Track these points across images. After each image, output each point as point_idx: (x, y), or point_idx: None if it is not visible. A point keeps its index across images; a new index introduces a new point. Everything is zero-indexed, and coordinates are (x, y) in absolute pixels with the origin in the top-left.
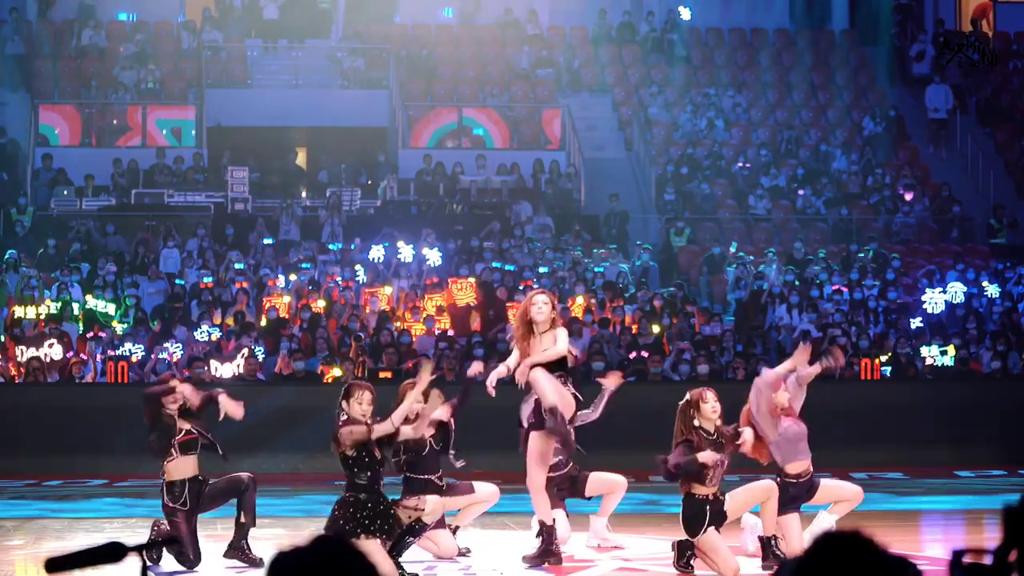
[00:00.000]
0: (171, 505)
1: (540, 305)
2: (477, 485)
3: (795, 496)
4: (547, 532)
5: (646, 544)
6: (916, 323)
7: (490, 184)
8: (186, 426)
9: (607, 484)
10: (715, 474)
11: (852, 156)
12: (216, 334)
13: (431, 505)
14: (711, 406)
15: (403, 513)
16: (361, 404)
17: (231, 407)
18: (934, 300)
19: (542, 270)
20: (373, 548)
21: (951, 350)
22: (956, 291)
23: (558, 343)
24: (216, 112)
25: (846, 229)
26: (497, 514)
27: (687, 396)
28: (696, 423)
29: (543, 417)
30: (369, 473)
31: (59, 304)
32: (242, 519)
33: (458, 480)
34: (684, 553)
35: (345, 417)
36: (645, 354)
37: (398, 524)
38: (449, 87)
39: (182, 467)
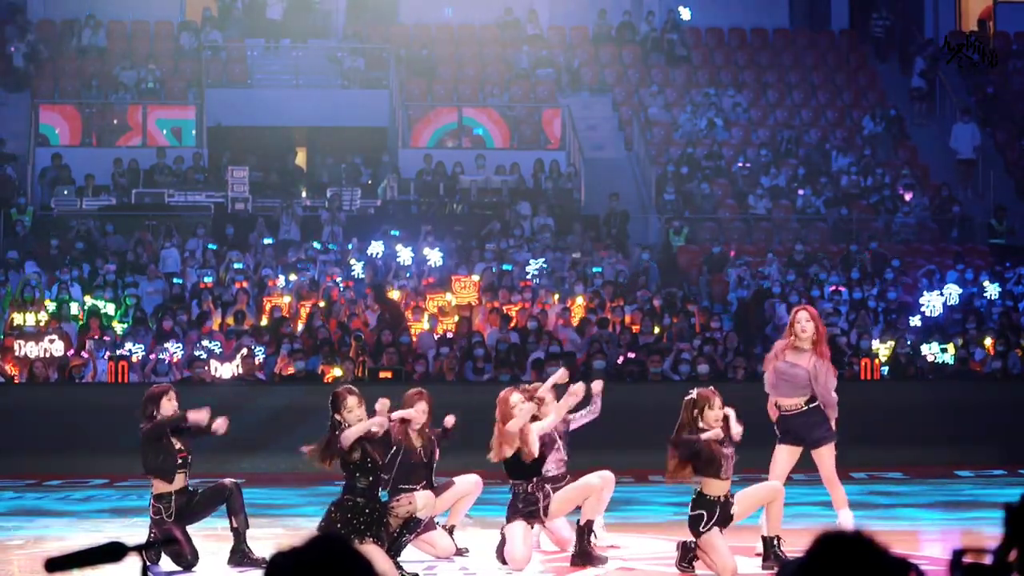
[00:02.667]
0: (156, 517)
1: (520, 405)
2: (458, 479)
3: (786, 429)
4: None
5: (646, 544)
6: (915, 322)
7: (490, 184)
8: (179, 444)
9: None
10: (728, 467)
11: (852, 156)
12: (217, 347)
13: (422, 500)
14: (715, 414)
15: (395, 520)
16: (352, 412)
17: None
18: (932, 303)
19: (541, 270)
20: (371, 549)
21: (951, 348)
22: (951, 293)
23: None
24: (216, 112)
25: (846, 229)
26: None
27: (694, 393)
28: (700, 424)
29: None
30: (371, 478)
31: (59, 304)
32: (234, 524)
33: (442, 478)
34: (687, 554)
35: (343, 426)
36: (633, 354)
37: (392, 531)
38: (449, 87)
39: (174, 481)
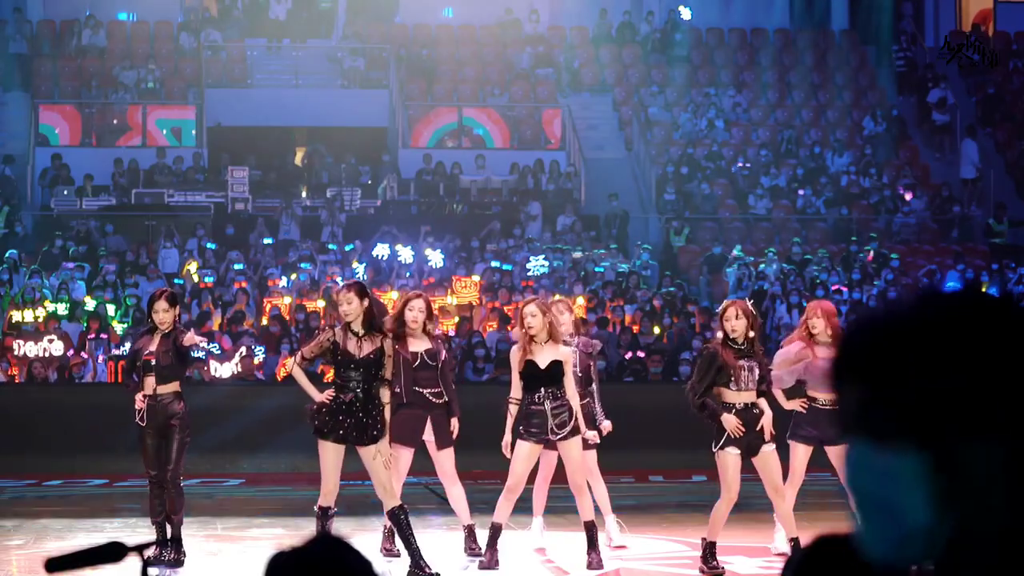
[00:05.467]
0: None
1: (530, 318)
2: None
3: (814, 422)
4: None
5: (646, 544)
6: None
7: (490, 184)
8: (152, 347)
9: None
10: (739, 376)
11: (852, 156)
12: (216, 347)
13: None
14: (731, 324)
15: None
16: (345, 304)
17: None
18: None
19: (541, 270)
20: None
21: None
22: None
23: (567, 374)
24: (216, 112)
25: (846, 229)
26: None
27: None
28: (721, 333)
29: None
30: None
31: (59, 305)
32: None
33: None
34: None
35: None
36: (643, 353)
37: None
38: (449, 87)
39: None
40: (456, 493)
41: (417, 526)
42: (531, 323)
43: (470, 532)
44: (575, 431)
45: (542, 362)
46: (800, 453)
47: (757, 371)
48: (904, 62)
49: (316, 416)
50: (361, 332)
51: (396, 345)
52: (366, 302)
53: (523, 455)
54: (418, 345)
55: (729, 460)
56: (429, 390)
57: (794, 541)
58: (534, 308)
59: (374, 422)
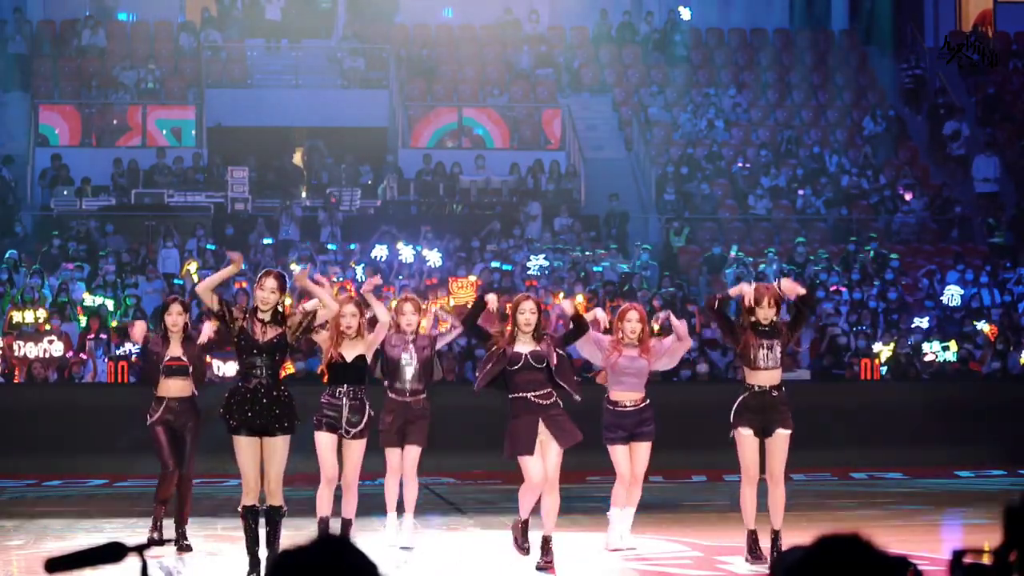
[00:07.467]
0: (148, 419)
1: (349, 317)
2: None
3: (621, 424)
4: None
5: (646, 544)
6: (917, 322)
7: (490, 184)
8: (172, 353)
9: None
10: (758, 356)
11: (852, 156)
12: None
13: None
14: (764, 312)
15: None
16: (263, 290)
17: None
18: (952, 293)
19: (541, 271)
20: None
21: (953, 345)
22: (953, 294)
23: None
24: (216, 112)
25: (846, 229)
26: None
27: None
28: (753, 318)
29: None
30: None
31: (59, 305)
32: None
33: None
34: (754, 546)
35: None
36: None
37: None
38: (449, 87)
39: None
40: (550, 502)
41: (418, 526)
42: (351, 322)
43: (546, 542)
44: (363, 434)
45: (348, 355)
46: (619, 454)
47: (778, 350)
48: (911, 79)
49: (226, 414)
50: (267, 319)
51: (507, 347)
52: (282, 294)
53: (323, 444)
54: (524, 347)
55: (743, 441)
56: (533, 393)
57: (775, 534)
58: (353, 307)
59: (284, 412)
